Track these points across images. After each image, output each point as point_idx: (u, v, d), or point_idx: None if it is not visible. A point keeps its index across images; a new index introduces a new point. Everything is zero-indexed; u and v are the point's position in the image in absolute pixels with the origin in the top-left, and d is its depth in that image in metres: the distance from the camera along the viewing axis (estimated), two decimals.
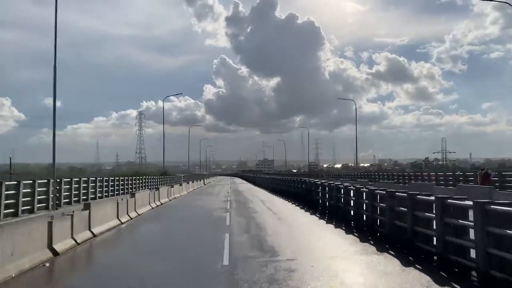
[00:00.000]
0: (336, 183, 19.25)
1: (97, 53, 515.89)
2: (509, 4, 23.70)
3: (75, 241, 11.17)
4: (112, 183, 30.92)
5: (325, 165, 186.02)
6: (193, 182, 51.83)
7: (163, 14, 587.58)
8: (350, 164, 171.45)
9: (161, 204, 25.04)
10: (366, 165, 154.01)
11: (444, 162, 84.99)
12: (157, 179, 51.50)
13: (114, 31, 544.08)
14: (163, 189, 28.72)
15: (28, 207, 17.87)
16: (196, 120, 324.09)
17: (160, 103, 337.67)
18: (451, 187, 28.67)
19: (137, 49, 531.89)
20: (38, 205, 18.68)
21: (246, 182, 79.16)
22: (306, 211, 20.67)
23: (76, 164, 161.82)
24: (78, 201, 22.96)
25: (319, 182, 22.05)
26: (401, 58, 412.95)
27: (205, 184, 64.87)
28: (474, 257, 7.49)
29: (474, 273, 7.53)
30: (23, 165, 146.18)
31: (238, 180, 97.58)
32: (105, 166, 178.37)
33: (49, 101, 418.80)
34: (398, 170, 74.78)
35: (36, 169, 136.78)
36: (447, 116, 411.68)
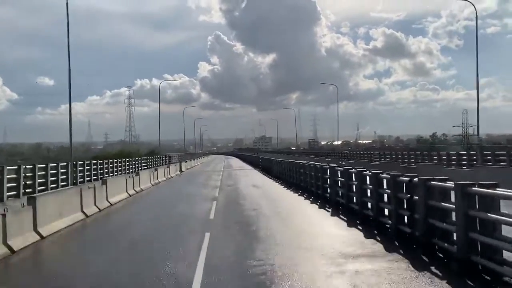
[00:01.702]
0: None
1: (90, 30, 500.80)
2: None
3: None
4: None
5: (323, 142, 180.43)
6: (155, 171, 29.37)
7: None
8: (351, 141, 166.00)
9: None
10: (366, 141, 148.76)
11: (466, 137, 79.02)
12: (117, 163, 32.93)
13: (107, 8, 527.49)
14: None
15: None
16: (191, 99, 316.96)
17: (155, 81, 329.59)
18: None
19: (131, 26, 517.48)
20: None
21: (250, 167, 50.20)
22: None
23: (67, 144, 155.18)
24: None
25: None
26: (399, 34, 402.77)
27: (181, 172, 41.09)
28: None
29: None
30: (10, 145, 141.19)
31: (235, 162, 70.54)
32: (97, 145, 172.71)
33: (41, 80, 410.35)
34: (404, 148, 69.67)
35: (23, 149, 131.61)
36: (443, 91, 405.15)
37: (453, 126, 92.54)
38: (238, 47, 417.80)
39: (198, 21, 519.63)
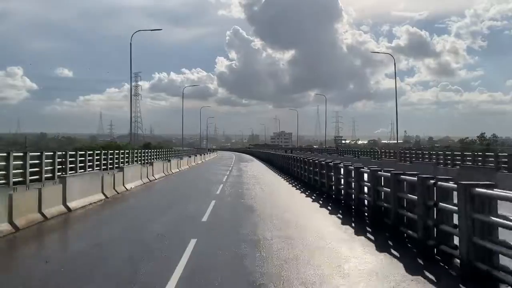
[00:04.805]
0: None
1: (110, 24, 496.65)
2: None
3: None
4: None
5: (345, 141, 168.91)
6: None
7: None
8: (377, 139, 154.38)
9: None
10: (395, 142, 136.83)
11: None
12: None
13: (127, 2, 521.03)
14: None
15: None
16: (209, 93, 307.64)
17: (173, 75, 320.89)
18: None
19: (150, 21, 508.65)
20: None
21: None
22: None
23: (81, 135, 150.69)
24: None
25: None
26: (423, 32, 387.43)
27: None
28: None
29: None
30: (13, 135, 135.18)
31: (266, 182, 23.81)
32: (107, 137, 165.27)
33: (61, 71, 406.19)
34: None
35: (21, 138, 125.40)
36: (466, 93, 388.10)
37: None
38: (257, 42, 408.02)
39: (218, 16, 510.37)
